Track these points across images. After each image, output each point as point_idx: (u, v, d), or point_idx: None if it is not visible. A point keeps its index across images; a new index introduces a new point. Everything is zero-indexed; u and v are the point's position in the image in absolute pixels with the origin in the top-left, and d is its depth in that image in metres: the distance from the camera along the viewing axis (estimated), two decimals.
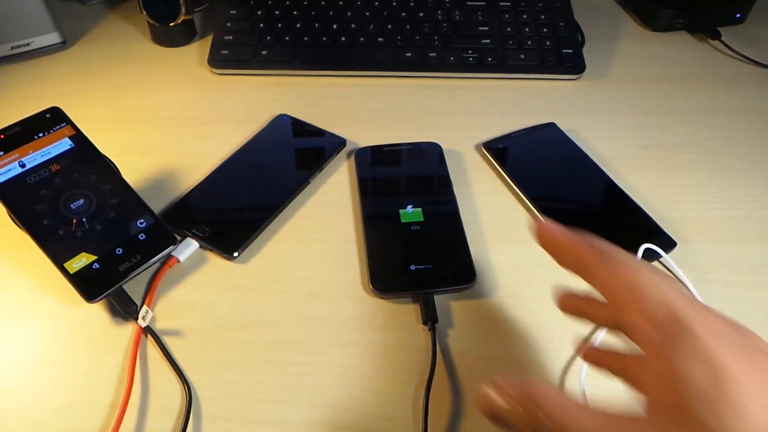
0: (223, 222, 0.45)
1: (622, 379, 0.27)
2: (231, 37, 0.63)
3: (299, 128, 0.54)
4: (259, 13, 0.65)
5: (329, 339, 0.39)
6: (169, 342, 0.39)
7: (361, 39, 0.62)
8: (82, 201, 0.42)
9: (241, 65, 0.61)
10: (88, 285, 0.39)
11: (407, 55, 0.61)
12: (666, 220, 0.45)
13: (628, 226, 0.45)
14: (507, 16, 0.65)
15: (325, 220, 0.47)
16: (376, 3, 0.66)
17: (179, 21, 0.64)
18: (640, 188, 0.49)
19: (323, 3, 0.66)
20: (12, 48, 0.62)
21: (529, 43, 0.62)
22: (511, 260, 0.44)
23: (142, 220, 0.42)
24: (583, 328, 0.39)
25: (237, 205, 0.47)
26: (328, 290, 0.42)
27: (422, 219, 0.45)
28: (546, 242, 0.30)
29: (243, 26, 0.64)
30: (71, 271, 0.39)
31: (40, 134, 0.43)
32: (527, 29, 0.63)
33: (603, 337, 0.39)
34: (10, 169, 0.41)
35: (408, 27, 0.63)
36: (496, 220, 0.47)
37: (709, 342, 0.22)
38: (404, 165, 0.50)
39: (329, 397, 0.36)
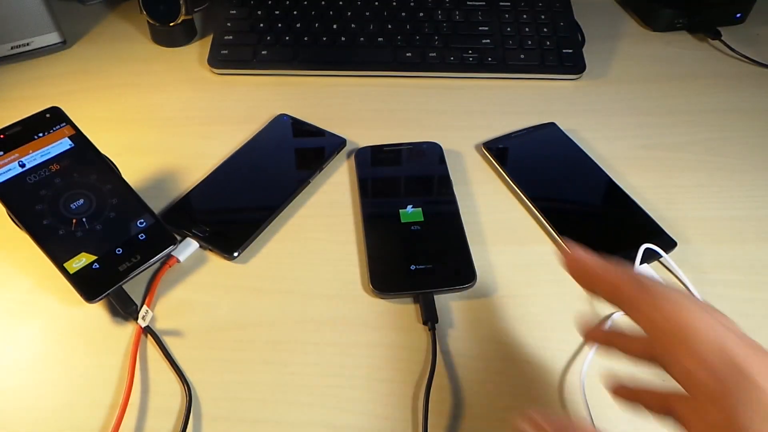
0: (223, 222, 0.45)
1: (662, 416, 0.26)
2: (231, 37, 0.63)
3: (299, 128, 0.54)
4: (259, 13, 0.65)
5: (329, 339, 0.39)
6: (169, 342, 0.39)
7: (361, 39, 0.62)
8: (82, 201, 0.42)
9: (241, 65, 0.61)
10: (88, 285, 0.39)
11: (407, 55, 0.61)
12: (666, 220, 0.45)
13: (628, 226, 0.45)
14: (507, 16, 0.65)
15: (325, 220, 0.47)
16: (376, 3, 0.66)
17: (179, 21, 0.64)
18: (640, 188, 0.49)
19: (323, 3, 0.66)
20: (12, 48, 0.62)
21: (529, 43, 0.62)
22: (511, 260, 0.44)
23: (142, 220, 0.42)
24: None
25: (237, 205, 0.47)
26: (328, 290, 0.42)
27: (422, 219, 0.45)
28: (578, 273, 0.29)
29: (243, 26, 0.64)
30: (71, 271, 0.39)
31: (40, 134, 0.43)
32: (527, 29, 0.63)
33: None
34: (9, 169, 0.41)
35: (408, 27, 0.63)
36: (496, 220, 0.47)
37: None
38: (404, 165, 0.50)
39: (329, 397, 0.36)
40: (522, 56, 0.61)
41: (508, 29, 0.63)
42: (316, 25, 0.63)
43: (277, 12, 0.65)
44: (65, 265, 0.39)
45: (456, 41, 0.62)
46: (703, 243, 0.45)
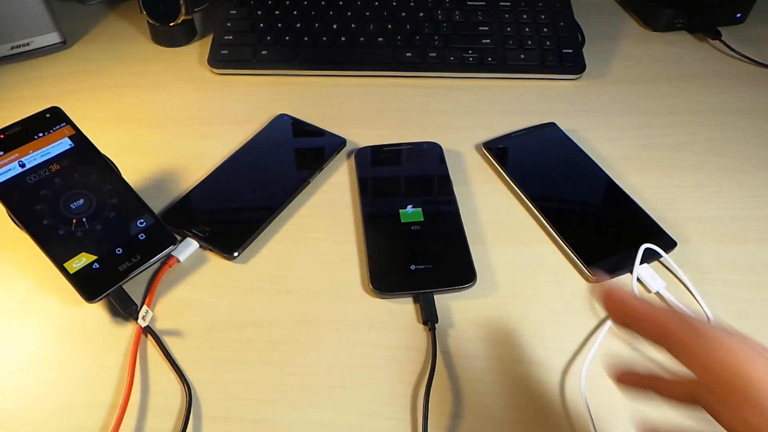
0: (223, 222, 0.45)
1: (685, 404, 0.25)
2: (231, 37, 0.63)
3: (299, 128, 0.54)
4: (259, 13, 0.65)
5: (329, 339, 0.39)
6: (169, 342, 0.39)
7: (361, 39, 0.62)
8: (82, 201, 0.42)
9: (241, 65, 0.61)
10: (88, 285, 0.39)
11: (407, 55, 0.61)
12: (666, 220, 0.45)
13: (628, 226, 0.45)
14: (507, 16, 0.65)
15: (325, 220, 0.47)
16: (376, 3, 0.66)
17: (179, 21, 0.64)
18: (640, 188, 0.49)
19: (323, 3, 0.66)
20: (12, 48, 0.62)
21: (529, 43, 0.62)
22: (511, 260, 0.44)
23: (142, 220, 0.42)
24: (582, 329, 0.39)
25: (237, 205, 0.47)
26: (328, 290, 0.42)
27: (422, 219, 0.45)
28: (616, 310, 0.28)
29: (243, 26, 0.64)
30: (71, 271, 0.39)
31: (40, 134, 0.43)
32: (527, 29, 0.63)
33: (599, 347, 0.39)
34: (9, 169, 0.41)
35: (408, 27, 0.63)
36: (496, 220, 0.46)
37: None
38: (404, 165, 0.50)
39: (329, 397, 0.36)
40: (522, 56, 0.61)
41: (508, 29, 0.63)
42: (316, 25, 0.63)
43: (277, 12, 0.65)
44: (65, 265, 0.39)
45: (456, 41, 0.62)
46: (703, 243, 0.45)
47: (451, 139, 0.53)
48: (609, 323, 0.39)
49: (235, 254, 0.43)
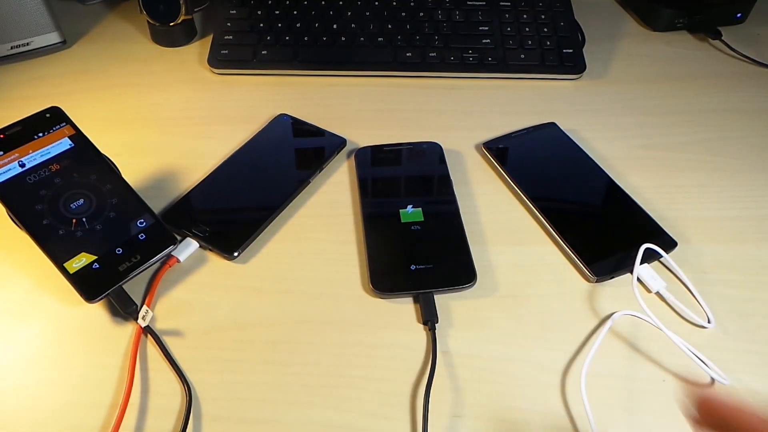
0: (223, 222, 0.45)
1: None
2: (231, 37, 0.63)
3: (299, 128, 0.54)
4: (259, 13, 0.65)
5: (329, 339, 0.39)
6: (169, 342, 0.39)
7: (361, 39, 0.62)
8: (81, 201, 0.42)
9: (241, 65, 0.61)
10: (88, 285, 0.39)
11: (407, 55, 0.61)
12: (666, 220, 0.45)
13: (628, 226, 0.45)
14: (507, 15, 0.65)
15: (325, 220, 0.47)
16: (376, 3, 0.66)
17: (179, 21, 0.64)
18: (640, 188, 0.49)
19: (323, 3, 0.66)
20: (12, 48, 0.62)
21: (530, 42, 0.62)
22: (511, 260, 0.44)
23: (142, 220, 0.42)
24: (582, 329, 0.39)
25: (237, 205, 0.47)
26: (328, 290, 0.42)
27: (422, 219, 0.45)
28: (714, 420, 0.24)
29: (243, 26, 0.64)
30: (71, 271, 0.39)
31: (40, 134, 0.43)
32: (527, 29, 0.63)
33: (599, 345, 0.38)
34: (9, 169, 0.41)
35: (408, 27, 0.63)
36: (496, 220, 0.46)
37: None
38: (404, 165, 0.50)
39: (329, 397, 0.36)
40: (522, 56, 0.61)
41: (509, 29, 0.63)
42: (316, 25, 0.63)
43: (277, 12, 0.65)
44: (65, 265, 0.39)
45: (456, 41, 0.62)
46: (703, 243, 0.45)
47: (451, 139, 0.53)
48: (609, 323, 0.39)
49: (235, 254, 0.43)
